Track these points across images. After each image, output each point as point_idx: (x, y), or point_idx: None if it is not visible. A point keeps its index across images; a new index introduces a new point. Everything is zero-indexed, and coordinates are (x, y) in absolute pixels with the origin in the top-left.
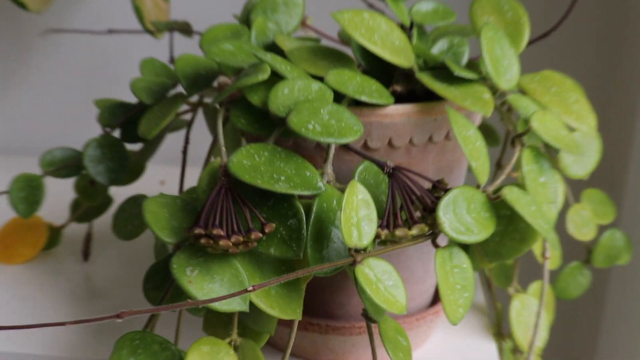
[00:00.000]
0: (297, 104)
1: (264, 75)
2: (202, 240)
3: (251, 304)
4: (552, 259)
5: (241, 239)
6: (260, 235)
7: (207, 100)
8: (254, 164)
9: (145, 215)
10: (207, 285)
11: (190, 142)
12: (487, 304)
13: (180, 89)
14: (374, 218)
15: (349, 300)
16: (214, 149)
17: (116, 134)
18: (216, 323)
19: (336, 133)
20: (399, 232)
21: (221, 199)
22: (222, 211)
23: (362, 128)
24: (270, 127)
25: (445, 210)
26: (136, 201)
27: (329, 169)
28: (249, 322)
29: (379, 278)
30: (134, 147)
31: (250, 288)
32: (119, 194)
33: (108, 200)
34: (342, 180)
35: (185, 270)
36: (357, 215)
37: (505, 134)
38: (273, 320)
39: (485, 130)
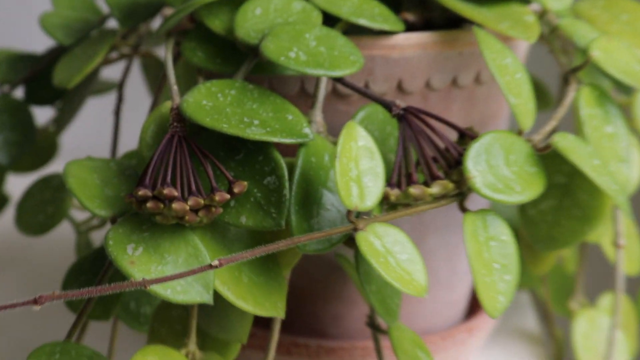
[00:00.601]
0: (274, 28)
1: None
2: (149, 204)
3: (216, 299)
4: (630, 260)
5: (202, 201)
6: (228, 196)
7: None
8: (217, 105)
9: (68, 181)
10: (156, 268)
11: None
12: (542, 331)
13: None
14: (380, 172)
15: (348, 312)
16: (159, 98)
17: (19, 94)
18: (166, 334)
19: (327, 63)
20: (414, 190)
21: (173, 152)
22: (176, 167)
23: (362, 58)
24: (236, 62)
25: (477, 160)
26: (49, 183)
27: (318, 116)
28: (213, 328)
29: (389, 249)
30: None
31: (216, 262)
32: (18, 189)
33: (2, 200)
34: (336, 136)
35: (125, 247)
36: (358, 168)
37: (559, 85)
38: (245, 320)
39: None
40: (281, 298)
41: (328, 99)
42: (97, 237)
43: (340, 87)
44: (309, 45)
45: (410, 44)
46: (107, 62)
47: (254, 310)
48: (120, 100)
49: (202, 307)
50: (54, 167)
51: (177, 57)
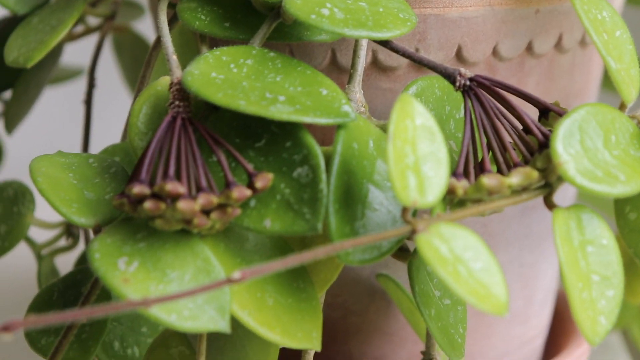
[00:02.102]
0: None
1: None
2: (147, 205)
3: (234, 324)
4: None
5: (214, 200)
6: (248, 192)
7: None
8: (231, 77)
9: (37, 180)
10: (157, 287)
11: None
12: None
13: None
14: (443, 159)
15: (393, 352)
16: (146, 76)
17: None
18: None
19: (370, 22)
20: (488, 181)
21: (176, 138)
22: (180, 157)
23: (414, 16)
24: (251, 27)
25: (568, 141)
26: (1, 193)
27: (357, 93)
28: None
29: (459, 256)
30: None
31: (237, 275)
32: None
33: None
34: (379, 119)
35: (115, 262)
36: (416, 153)
37: None
38: (270, 355)
39: None
40: (316, 326)
41: (367, 74)
42: (63, 263)
43: (383, 58)
44: (346, 0)
45: (473, 1)
46: (71, 38)
47: (283, 340)
48: (91, 86)
49: (213, 339)
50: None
51: (169, 24)
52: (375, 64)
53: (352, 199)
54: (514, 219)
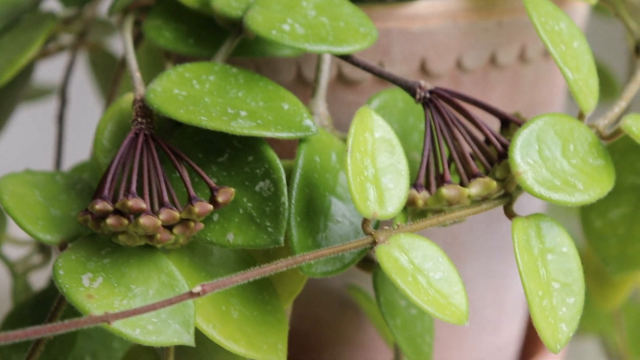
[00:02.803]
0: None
1: None
2: (110, 221)
3: (198, 341)
4: None
5: (177, 215)
6: (210, 207)
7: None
8: (193, 94)
9: (3, 199)
10: (121, 302)
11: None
12: None
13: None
14: (403, 171)
15: None
16: (114, 94)
17: None
18: None
19: (331, 37)
20: (447, 191)
21: (138, 154)
22: (142, 173)
23: (375, 30)
24: (214, 43)
25: (526, 150)
26: None
27: (320, 107)
28: None
29: (418, 267)
30: None
31: (198, 288)
32: None
33: None
34: (343, 132)
35: (80, 278)
36: (375, 165)
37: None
38: None
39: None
40: (281, 338)
41: (332, 87)
42: (37, 279)
43: (348, 72)
44: (307, 16)
45: (435, 13)
46: (44, 54)
47: (247, 352)
48: (63, 103)
49: (181, 353)
50: None
51: (137, 41)
52: (341, 78)
53: (314, 211)
54: (483, 229)
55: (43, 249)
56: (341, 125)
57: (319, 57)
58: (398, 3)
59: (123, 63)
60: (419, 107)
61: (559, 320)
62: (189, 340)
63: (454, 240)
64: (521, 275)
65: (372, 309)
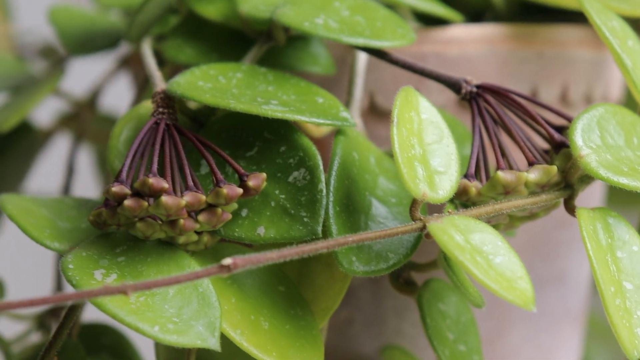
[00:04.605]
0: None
1: None
2: (128, 203)
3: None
4: None
5: (203, 198)
6: (240, 191)
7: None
8: (219, 86)
9: (7, 208)
10: (137, 299)
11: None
12: None
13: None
14: (453, 154)
15: None
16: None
17: None
18: None
19: (368, 32)
20: (504, 176)
21: (159, 140)
22: (164, 158)
23: (413, 33)
24: (238, 58)
25: (588, 134)
26: None
27: (355, 118)
28: None
29: (476, 247)
30: None
31: (229, 261)
32: None
33: None
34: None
35: (91, 273)
36: (422, 145)
37: None
38: None
39: None
40: (317, 355)
41: (364, 120)
42: None
43: (381, 101)
44: (340, 14)
45: (472, 38)
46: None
47: None
48: (70, 173)
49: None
50: None
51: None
52: (373, 109)
53: (354, 207)
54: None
55: (42, 325)
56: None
57: (351, 75)
58: (433, 26)
59: (143, 86)
60: (458, 129)
61: (635, 324)
62: (214, 344)
63: (498, 303)
64: (592, 262)
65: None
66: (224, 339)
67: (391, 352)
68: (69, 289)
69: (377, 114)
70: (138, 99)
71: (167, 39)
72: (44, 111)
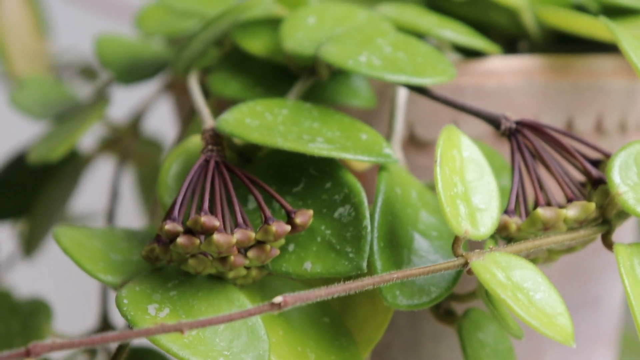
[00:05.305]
0: (335, 35)
1: None
2: (180, 241)
3: None
4: None
5: (252, 235)
6: (288, 228)
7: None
8: (266, 123)
9: (61, 241)
10: (190, 333)
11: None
12: None
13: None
14: (494, 191)
15: None
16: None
17: None
18: None
19: (409, 68)
20: (544, 213)
21: (210, 178)
22: (214, 196)
23: (453, 68)
24: (282, 92)
25: (625, 171)
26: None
27: (397, 152)
28: None
29: (517, 284)
30: None
31: (280, 299)
32: None
33: None
34: None
35: (145, 307)
36: (464, 183)
37: None
38: None
39: None
40: None
41: (404, 150)
42: None
43: (420, 132)
44: (383, 51)
45: (510, 70)
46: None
47: None
48: (115, 195)
49: None
50: None
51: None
52: (413, 140)
53: (397, 242)
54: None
55: (89, 349)
56: None
57: (391, 109)
58: (471, 58)
59: (188, 119)
60: (497, 162)
61: None
62: None
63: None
64: (629, 298)
65: None
66: None
67: None
68: (114, 312)
69: (417, 144)
70: (184, 132)
71: (212, 72)
72: (87, 134)
